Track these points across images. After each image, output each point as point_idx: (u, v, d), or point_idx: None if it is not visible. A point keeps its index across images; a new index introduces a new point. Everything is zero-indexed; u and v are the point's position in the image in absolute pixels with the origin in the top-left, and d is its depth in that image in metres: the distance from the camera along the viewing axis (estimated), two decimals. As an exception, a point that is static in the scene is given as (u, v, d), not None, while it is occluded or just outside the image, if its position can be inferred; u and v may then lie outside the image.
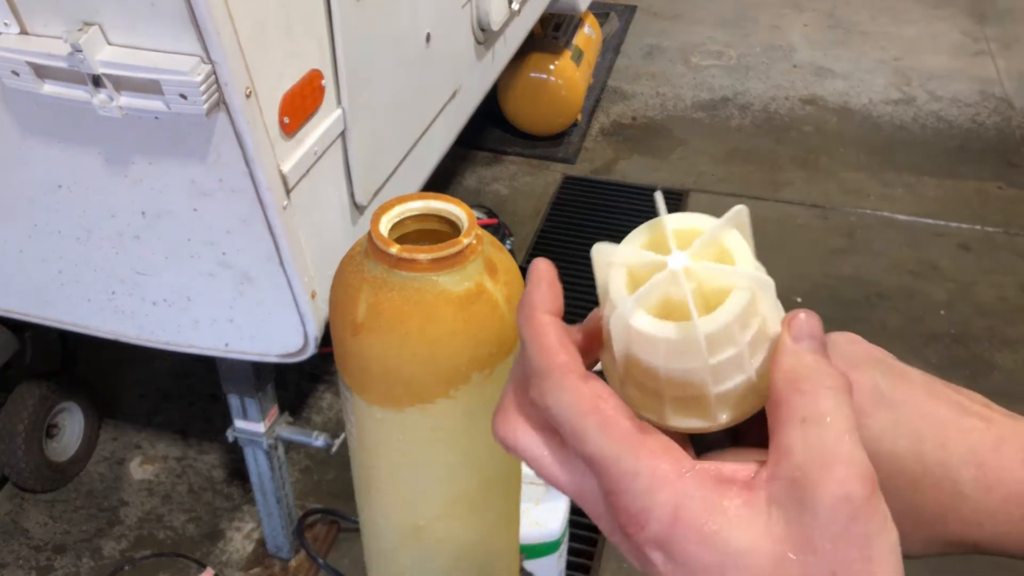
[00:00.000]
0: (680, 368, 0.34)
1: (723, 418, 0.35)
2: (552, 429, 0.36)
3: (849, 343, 0.41)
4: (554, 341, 0.36)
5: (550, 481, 0.37)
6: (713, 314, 0.33)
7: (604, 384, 0.36)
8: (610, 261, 0.37)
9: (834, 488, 0.30)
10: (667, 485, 0.32)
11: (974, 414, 0.39)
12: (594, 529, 1.86)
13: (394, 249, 0.79)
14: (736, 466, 0.33)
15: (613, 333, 0.36)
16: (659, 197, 0.36)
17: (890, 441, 0.38)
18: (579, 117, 3.16)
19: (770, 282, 0.35)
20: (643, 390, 0.36)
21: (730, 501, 0.32)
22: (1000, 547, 0.39)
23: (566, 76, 2.96)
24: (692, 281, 0.34)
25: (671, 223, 0.36)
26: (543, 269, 0.38)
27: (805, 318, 0.34)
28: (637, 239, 0.38)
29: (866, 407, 0.38)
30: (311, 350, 1.28)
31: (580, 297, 2.46)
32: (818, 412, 0.31)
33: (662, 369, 0.34)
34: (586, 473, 0.35)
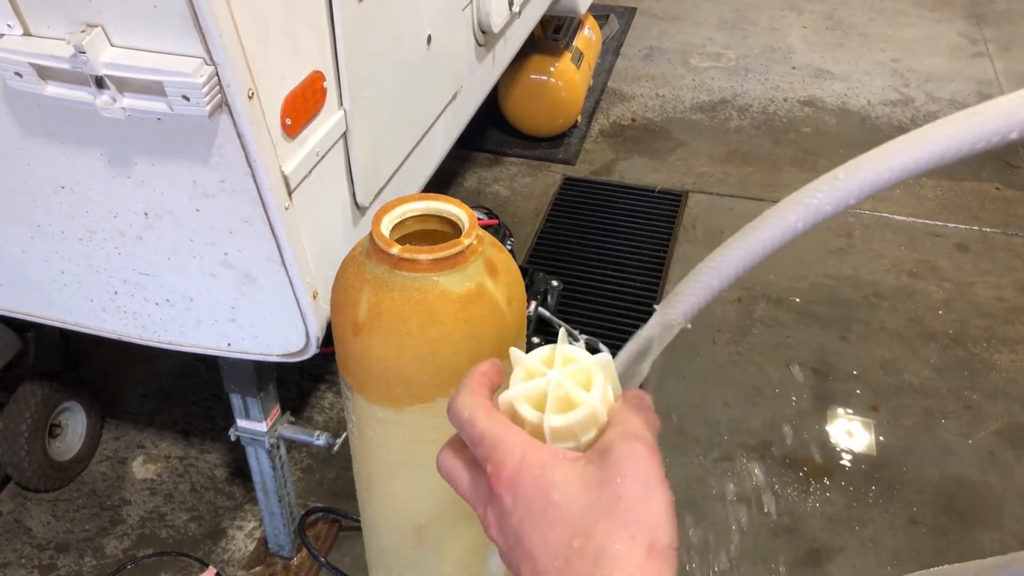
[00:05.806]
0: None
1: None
2: (462, 448, 0.55)
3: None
4: (476, 384, 0.55)
5: (451, 475, 0.56)
6: (563, 415, 0.51)
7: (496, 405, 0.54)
8: (518, 360, 0.55)
9: (625, 445, 0.48)
10: (520, 447, 0.49)
11: None
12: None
13: (395, 249, 0.80)
14: (569, 452, 0.50)
15: (502, 405, 0.54)
16: (563, 333, 0.54)
17: None
18: (579, 118, 3.17)
19: (603, 410, 0.51)
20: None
21: (558, 459, 0.49)
22: None
23: (566, 78, 2.97)
24: (560, 390, 0.52)
25: (562, 350, 0.54)
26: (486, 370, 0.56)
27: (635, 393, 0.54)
28: (539, 354, 0.55)
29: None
30: (313, 350, 1.28)
31: (580, 297, 2.47)
32: (632, 423, 0.51)
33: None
34: (473, 471, 0.53)
